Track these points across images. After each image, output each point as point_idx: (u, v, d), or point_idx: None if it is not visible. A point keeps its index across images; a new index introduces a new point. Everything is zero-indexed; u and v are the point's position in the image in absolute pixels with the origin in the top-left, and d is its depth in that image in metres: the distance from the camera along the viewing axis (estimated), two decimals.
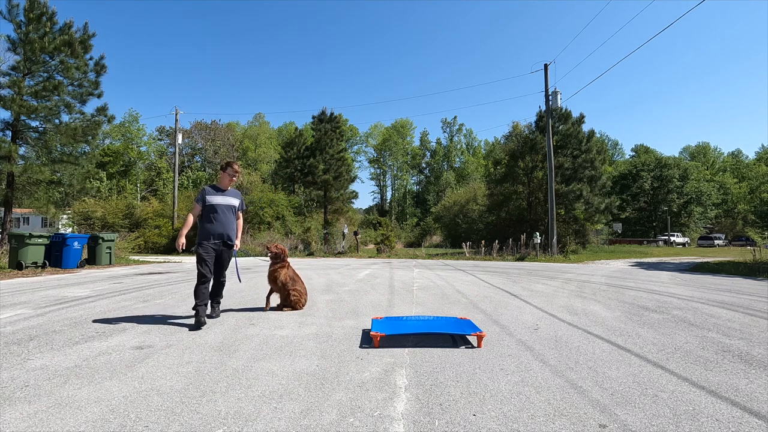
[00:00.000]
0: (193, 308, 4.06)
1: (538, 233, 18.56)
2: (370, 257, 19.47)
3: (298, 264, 9.86)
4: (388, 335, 3.44)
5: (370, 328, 3.80)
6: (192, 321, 4.19)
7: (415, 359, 3.00)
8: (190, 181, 43.85)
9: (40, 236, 10.56)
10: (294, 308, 4.91)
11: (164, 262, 14.75)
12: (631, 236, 47.88)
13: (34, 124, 13.97)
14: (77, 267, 10.90)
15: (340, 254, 20.82)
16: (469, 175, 65.46)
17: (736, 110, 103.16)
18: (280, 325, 4.14)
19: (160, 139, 52.52)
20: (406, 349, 3.25)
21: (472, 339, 3.53)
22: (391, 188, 75.44)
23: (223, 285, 4.56)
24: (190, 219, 4.28)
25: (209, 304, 4.44)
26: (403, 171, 74.28)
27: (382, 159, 74.05)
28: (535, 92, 69.40)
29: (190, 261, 14.45)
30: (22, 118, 13.45)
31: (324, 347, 3.32)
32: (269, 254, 4.95)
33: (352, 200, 36.59)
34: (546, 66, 19.58)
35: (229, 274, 4.72)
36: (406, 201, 72.23)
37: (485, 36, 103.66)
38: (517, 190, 25.66)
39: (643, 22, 70.97)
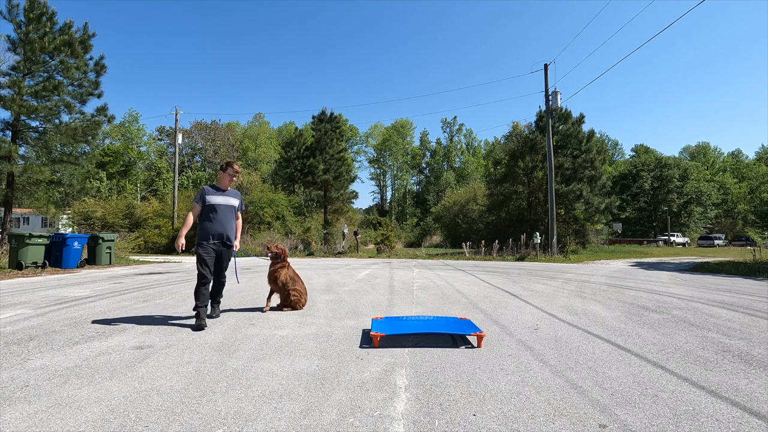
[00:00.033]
0: (194, 309, 4.06)
1: (538, 233, 18.56)
2: (370, 257, 19.47)
3: (298, 264, 9.86)
4: (388, 335, 3.44)
5: (370, 328, 3.80)
6: (192, 321, 4.19)
7: (415, 359, 3.00)
8: (190, 181, 43.85)
9: (40, 236, 10.56)
10: (294, 308, 4.91)
11: (164, 262, 14.75)
12: (631, 236, 47.88)
13: (34, 124, 13.99)
14: (77, 267, 10.89)
15: (340, 254, 20.82)
16: (469, 175, 65.46)
17: (736, 110, 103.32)
18: (280, 325, 4.14)
19: (160, 139, 52.57)
20: (406, 349, 3.25)
21: (472, 339, 3.53)
22: (391, 188, 75.50)
23: (223, 285, 4.56)
24: (190, 219, 4.27)
25: (209, 305, 4.44)
26: (403, 171, 74.28)
27: (382, 159, 74.05)
28: (535, 92, 69.46)
29: (190, 261, 14.45)
30: (22, 118, 13.45)
31: (324, 347, 3.32)
32: (269, 254, 4.94)
33: (352, 200, 36.61)
34: (546, 66, 19.58)
35: (229, 274, 4.72)
36: (406, 201, 72.23)
37: (485, 36, 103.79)
38: (517, 190, 25.66)
39: (643, 22, 71.03)
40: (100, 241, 12.20)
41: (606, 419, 2.03)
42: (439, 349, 3.28)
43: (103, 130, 16.27)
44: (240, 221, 4.61)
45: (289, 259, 5.10)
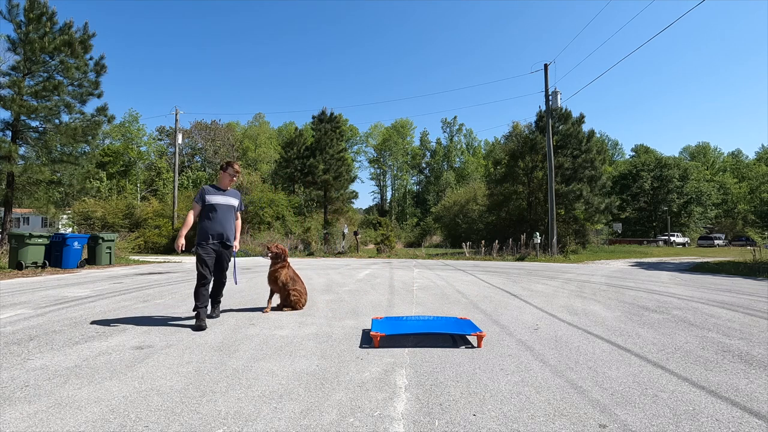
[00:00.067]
0: (194, 310, 4.05)
1: (538, 233, 18.56)
2: (370, 257, 19.47)
3: (298, 264, 9.86)
4: (388, 335, 3.44)
5: (370, 328, 3.80)
6: (192, 321, 4.19)
7: (415, 359, 3.00)
8: (190, 181, 43.86)
9: (40, 236, 10.56)
10: (294, 308, 4.91)
11: (164, 262, 14.75)
12: (631, 236, 47.88)
13: (34, 124, 13.99)
14: (77, 267, 10.89)
15: (340, 254, 20.82)
16: (469, 175, 65.46)
17: (736, 110, 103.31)
18: (280, 325, 4.14)
19: (160, 139, 52.58)
20: (406, 349, 3.25)
21: (472, 339, 3.53)
22: (391, 188, 75.50)
23: (224, 285, 4.56)
24: (190, 219, 4.25)
25: (209, 305, 4.43)
26: (403, 171, 74.28)
27: (382, 159, 74.05)
28: (535, 92, 69.46)
29: (190, 261, 14.45)
30: (22, 118, 13.45)
31: (324, 347, 3.32)
32: (270, 254, 4.94)
33: (352, 200, 36.61)
34: (546, 66, 19.59)
35: (228, 274, 4.71)
36: (406, 201, 72.23)
37: (485, 36, 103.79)
38: (517, 190, 25.66)
39: (643, 22, 71.02)
40: (100, 241, 12.21)
41: (606, 419, 2.03)
42: (439, 349, 3.28)
43: (103, 130, 16.27)
44: (239, 222, 4.60)
45: (289, 259, 5.10)
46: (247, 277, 8.93)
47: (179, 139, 28.16)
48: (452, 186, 61.09)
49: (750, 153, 78.42)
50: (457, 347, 3.33)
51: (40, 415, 2.04)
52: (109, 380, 2.52)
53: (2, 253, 12.23)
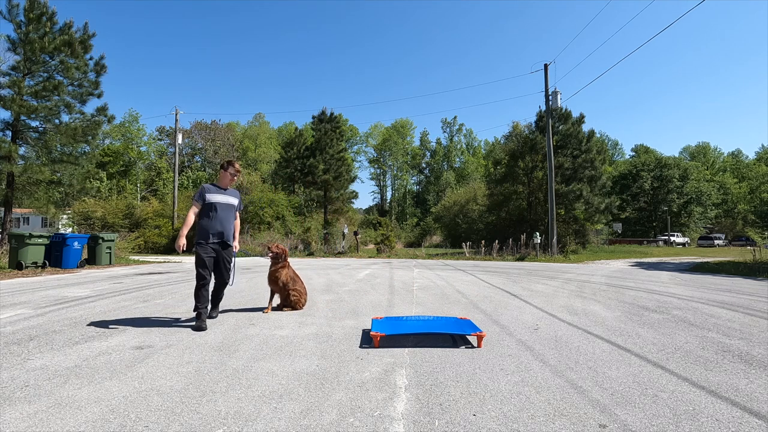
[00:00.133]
0: (194, 310, 4.04)
1: (538, 233, 18.56)
2: (370, 257, 19.48)
3: (298, 264, 9.87)
4: (388, 335, 3.44)
5: (370, 328, 3.80)
6: (192, 321, 4.19)
7: (415, 359, 3.00)
8: (190, 181, 43.87)
9: (40, 236, 10.56)
10: (294, 308, 4.91)
11: (164, 262, 14.75)
12: (631, 236, 47.88)
13: (34, 124, 13.99)
14: (77, 267, 10.89)
15: (340, 254, 20.82)
16: (469, 175, 65.46)
17: (736, 110, 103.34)
18: (280, 325, 4.14)
19: (160, 139, 52.58)
20: (406, 349, 3.25)
21: (472, 339, 3.53)
22: (391, 188, 75.50)
23: (225, 286, 4.55)
24: (190, 218, 4.22)
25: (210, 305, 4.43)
26: (403, 171, 74.28)
27: (382, 159, 74.05)
28: (535, 92, 69.45)
29: (190, 261, 14.43)
30: (22, 118, 13.45)
31: (324, 347, 3.32)
32: (270, 254, 4.93)
33: (352, 200, 36.63)
34: (546, 66, 19.59)
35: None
36: (406, 201, 72.23)
37: (485, 36, 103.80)
38: (517, 190, 25.66)
39: (643, 22, 71.01)
40: (100, 241, 12.21)
41: (606, 419, 2.03)
42: (439, 349, 3.28)
43: (103, 130, 16.28)
44: (238, 221, 4.59)
45: (289, 259, 5.10)
46: (247, 277, 8.93)
47: (179, 139, 28.16)
48: (452, 186, 61.10)
49: (750, 153, 78.56)
50: (457, 347, 3.33)
51: (40, 415, 2.04)
52: (109, 380, 2.52)
53: (2, 253, 12.23)
